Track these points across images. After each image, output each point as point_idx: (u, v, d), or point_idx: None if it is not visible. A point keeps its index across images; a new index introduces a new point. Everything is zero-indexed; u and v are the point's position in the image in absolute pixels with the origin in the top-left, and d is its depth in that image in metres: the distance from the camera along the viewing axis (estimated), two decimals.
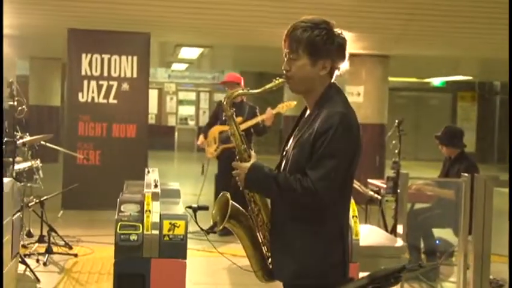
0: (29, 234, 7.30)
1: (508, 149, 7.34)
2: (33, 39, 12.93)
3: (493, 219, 4.67)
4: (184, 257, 4.23)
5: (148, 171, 5.09)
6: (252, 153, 2.95)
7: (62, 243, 7.30)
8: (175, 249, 4.17)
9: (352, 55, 10.56)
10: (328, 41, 2.79)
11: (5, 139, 6.28)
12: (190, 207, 3.05)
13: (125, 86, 10.08)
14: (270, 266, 2.92)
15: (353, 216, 4.33)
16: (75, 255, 7.10)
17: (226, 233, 2.96)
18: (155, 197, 4.22)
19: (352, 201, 4.46)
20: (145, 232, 4.11)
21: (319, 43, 2.78)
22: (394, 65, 12.85)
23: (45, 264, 6.65)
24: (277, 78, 2.93)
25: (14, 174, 6.23)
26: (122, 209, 4.26)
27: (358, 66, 11.80)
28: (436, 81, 21.96)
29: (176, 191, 5.00)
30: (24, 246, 6.96)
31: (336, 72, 2.90)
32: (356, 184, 6.54)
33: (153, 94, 23.34)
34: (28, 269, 6.22)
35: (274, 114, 8.21)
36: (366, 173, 9.30)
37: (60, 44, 10.86)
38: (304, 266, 2.75)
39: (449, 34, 9.99)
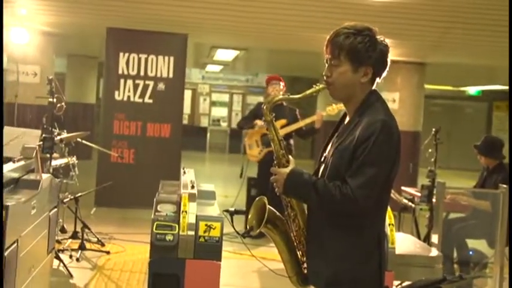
0: (63, 230, 7.39)
1: None
2: (72, 37, 13.08)
3: None
4: (219, 259, 4.24)
5: (185, 172, 5.11)
6: (291, 158, 2.95)
7: (95, 240, 7.38)
8: (211, 250, 4.18)
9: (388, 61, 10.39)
10: (371, 48, 2.78)
11: (43, 135, 6.35)
12: (227, 210, 3.06)
13: (161, 86, 10.14)
14: (305, 271, 2.92)
15: (389, 224, 4.30)
16: (108, 253, 7.17)
17: (258, 236, 2.96)
18: (192, 198, 4.24)
19: (389, 208, 4.44)
20: (181, 233, 4.12)
21: (362, 50, 2.77)
22: (430, 73, 12.75)
23: (78, 260, 6.73)
24: (318, 84, 2.93)
25: (51, 170, 6.30)
26: (159, 208, 4.28)
27: (394, 72, 11.67)
28: (472, 90, 21.72)
29: (211, 192, 5.02)
30: (58, 241, 7.03)
31: (377, 80, 2.89)
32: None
33: (186, 95, 23.41)
34: (62, 264, 6.30)
35: (324, 116, 8.13)
36: (399, 180, 9.23)
37: (98, 42, 10.98)
38: (340, 272, 2.75)
39: (487, 43, 9.88)
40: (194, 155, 18.79)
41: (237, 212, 3.03)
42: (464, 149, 6.76)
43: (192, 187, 4.42)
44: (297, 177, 2.78)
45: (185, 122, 23.53)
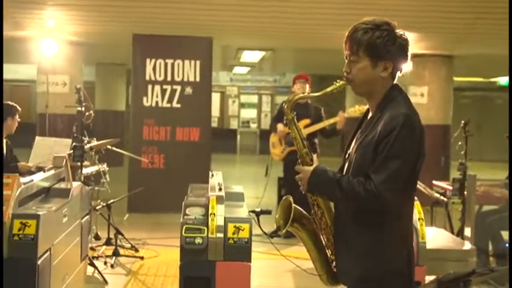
0: (97, 237, 7.48)
1: None
2: (99, 45, 13.21)
3: None
4: (249, 260, 4.24)
5: (213, 175, 5.13)
6: (314, 156, 2.95)
7: (129, 245, 7.44)
8: (240, 252, 4.19)
9: (415, 55, 10.45)
10: (389, 42, 2.76)
11: (73, 144, 6.43)
12: (253, 211, 3.07)
13: (188, 90, 10.20)
14: (335, 270, 2.91)
15: (419, 219, 4.27)
16: (141, 258, 7.22)
17: (290, 235, 2.96)
18: (220, 200, 4.25)
19: (418, 203, 4.40)
20: (210, 235, 4.14)
21: (380, 44, 2.75)
22: (458, 65, 12.61)
23: (112, 266, 6.79)
24: (338, 80, 2.92)
25: (82, 178, 6.37)
26: (187, 212, 4.31)
27: (422, 66, 11.64)
28: (503, 80, 21.42)
29: (240, 194, 5.03)
30: (92, 248, 7.12)
31: (398, 74, 2.86)
32: (421, 186, 6.44)
33: (215, 97, 23.54)
34: (96, 271, 6.37)
35: (346, 117, 8.11)
36: (431, 174, 9.14)
37: (125, 49, 11.06)
38: (368, 270, 2.73)
39: None
40: (225, 158, 18.85)
41: (262, 212, 3.04)
42: (497, 140, 6.66)
43: (220, 189, 4.44)
44: (321, 175, 2.77)
45: (214, 124, 23.69)
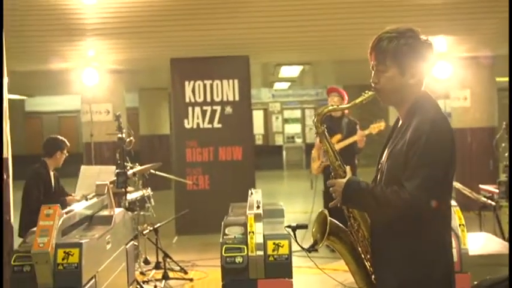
0: (146, 262, 7.55)
1: None
2: (140, 71, 13.42)
3: None
4: (290, 276, 4.23)
5: (252, 193, 5.14)
6: (347, 168, 2.93)
7: (178, 268, 7.49)
8: (281, 269, 4.18)
9: (455, 59, 10.30)
10: (415, 49, 2.75)
11: (116, 171, 6.53)
12: (289, 226, 3.06)
13: (228, 110, 10.25)
14: (375, 282, 2.88)
15: (460, 225, 4.19)
16: (191, 280, 7.26)
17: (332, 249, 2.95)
18: (258, 218, 4.26)
19: (458, 209, 4.33)
20: (250, 253, 4.15)
21: (407, 52, 2.74)
22: (501, 65, 12.38)
23: None
24: (367, 91, 2.91)
25: (127, 204, 6.46)
26: (227, 231, 4.32)
27: (463, 69, 11.46)
28: None
29: (280, 210, 5.02)
30: (142, 273, 7.19)
31: (426, 80, 2.84)
32: (466, 190, 6.34)
33: (258, 115, 23.63)
34: None
35: (366, 135, 8.07)
36: (480, 178, 8.99)
37: (165, 73, 11.21)
38: (406, 281, 2.70)
39: None
40: (271, 174, 18.86)
41: (298, 226, 3.03)
42: None
43: (258, 207, 4.44)
44: (354, 186, 2.76)
45: (259, 142, 23.75)
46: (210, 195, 10.02)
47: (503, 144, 6.54)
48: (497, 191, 6.54)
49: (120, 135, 6.63)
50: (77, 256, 3.79)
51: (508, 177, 6.27)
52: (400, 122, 2.85)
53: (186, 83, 10.25)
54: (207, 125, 10.25)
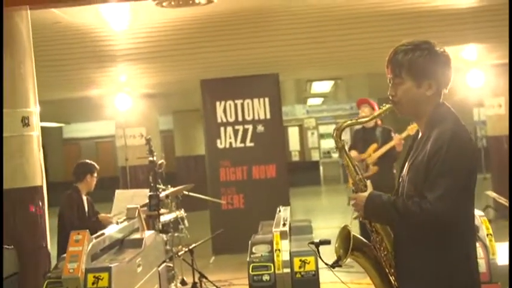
0: (183, 283, 7.59)
1: None
2: (172, 94, 13.56)
3: None
4: None
5: (279, 210, 5.15)
6: (368, 182, 2.94)
7: None
8: (308, 285, 4.18)
9: (487, 67, 10.17)
10: (431, 61, 2.77)
11: (149, 193, 6.60)
12: (312, 242, 3.07)
13: (260, 128, 10.27)
14: None
15: (487, 235, 4.14)
16: None
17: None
18: (283, 235, 4.27)
19: (485, 219, 4.27)
20: (277, 271, 4.15)
21: (422, 64, 2.75)
22: None
23: None
24: (385, 104, 2.94)
25: (160, 226, 6.51)
26: (254, 250, 4.34)
27: (496, 77, 11.32)
28: None
29: (308, 226, 5.02)
30: None
31: (444, 91, 2.84)
32: (502, 199, 6.25)
33: (293, 131, 23.67)
34: None
35: (404, 137, 7.99)
36: None
37: (197, 95, 11.31)
38: None
39: None
40: (308, 190, 18.80)
41: (321, 242, 3.03)
42: None
43: (284, 225, 4.45)
44: (376, 200, 2.77)
45: (296, 158, 23.74)
46: (245, 214, 10.02)
47: None
48: None
49: (151, 159, 6.71)
50: (107, 280, 3.83)
51: None
52: (420, 134, 2.85)
53: (217, 103, 10.31)
54: (239, 144, 10.28)
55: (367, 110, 8.21)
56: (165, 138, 20.79)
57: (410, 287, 2.76)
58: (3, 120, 5.74)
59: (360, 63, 11.17)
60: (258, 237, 4.67)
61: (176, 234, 7.34)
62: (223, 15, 8.58)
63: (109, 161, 19.10)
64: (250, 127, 10.28)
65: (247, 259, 4.31)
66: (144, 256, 4.62)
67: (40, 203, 6.13)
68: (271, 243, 4.38)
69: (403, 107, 2.84)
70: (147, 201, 6.67)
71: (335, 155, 23.62)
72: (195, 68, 10.26)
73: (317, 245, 3.05)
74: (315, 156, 23.72)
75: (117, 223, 5.07)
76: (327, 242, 3.05)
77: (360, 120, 3.11)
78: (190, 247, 7.35)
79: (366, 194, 2.82)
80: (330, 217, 11.99)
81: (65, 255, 4.09)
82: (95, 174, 6.97)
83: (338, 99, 21.97)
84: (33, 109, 6.09)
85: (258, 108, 10.29)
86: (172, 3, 7.55)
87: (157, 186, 6.83)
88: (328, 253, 3.00)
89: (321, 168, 23.11)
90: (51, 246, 6.34)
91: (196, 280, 7.32)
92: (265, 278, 4.15)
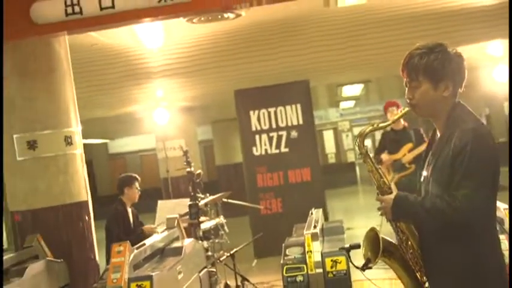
0: (227, 286, 7.61)
1: None
2: (209, 106, 13.67)
3: None
4: None
5: (312, 213, 5.16)
6: (392, 185, 2.95)
7: None
8: (341, 284, 4.19)
9: None
10: (446, 62, 2.77)
11: (189, 203, 6.67)
12: (343, 248, 3.07)
13: (294, 134, 10.28)
14: None
15: None
16: None
17: None
18: (314, 237, 4.29)
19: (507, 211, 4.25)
20: (309, 272, 4.17)
21: (437, 66, 2.76)
22: None
23: None
24: (403, 107, 2.95)
25: (201, 234, 6.56)
26: (287, 252, 4.37)
27: None
28: None
29: (340, 227, 5.02)
30: None
31: (459, 91, 2.84)
32: None
33: (328, 134, 23.61)
34: None
35: None
36: None
37: (233, 105, 11.40)
38: (461, 286, 2.69)
39: None
40: (346, 191, 18.73)
41: (352, 247, 3.03)
42: None
43: (315, 227, 4.46)
44: (403, 201, 2.77)
45: (332, 160, 23.68)
46: (283, 218, 10.02)
47: None
48: None
49: (188, 169, 6.77)
50: None
51: None
52: (439, 134, 2.85)
53: (251, 112, 10.36)
54: (274, 151, 10.30)
55: (396, 112, 8.16)
56: (206, 148, 20.96)
57: (440, 282, 2.76)
58: (2, 132, 5.86)
59: (389, 65, 11.07)
60: (291, 240, 4.70)
61: (217, 241, 7.38)
62: (252, 28, 8.65)
63: (153, 172, 19.24)
64: (284, 133, 10.30)
65: (281, 261, 4.34)
66: (185, 263, 4.67)
67: (86, 218, 6.26)
68: (303, 245, 4.40)
69: (422, 109, 2.84)
70: (188, 210, 6.72)
71: (370, 155, 23.48)
72: (229, 79, 10.34)
73: (348, 250, 3.06)
74: (351, 157, 23.61)
75: (158, 233, 5.13)
76: (357, 246, 3.05)
77: (381, 125, 3.12)
78: (232, 252, 7.38)
79: (392, 196, 2.81)
80: (368, 216, 11.92)
81: (108, 266, 4.17)
82: (134, 186, 6.99)
83: (370, 101, 21.86)
84: (75, 129, 6.22)
85: (291, 114, 10.30)
86: (202, 19, 7.65)
87: (197, 195, 6.88)
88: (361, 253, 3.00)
89: (357, 168, 22.99)
90: (100, 258, 6.46)
91: (239, 283, 7.35)
92: (299, 278, 4.18)
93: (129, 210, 6.99)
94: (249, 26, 8.49)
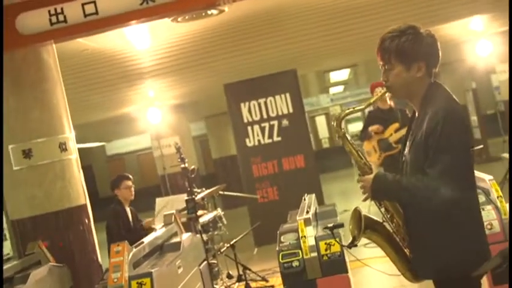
0: (229, 276, 7.69)
1: None
2: (200, 102, 13.68)
3: None
4: (346, 272, 4.27)
5: (304, 198, 5.20)
6: (373, 165, 2.98)
7: (259, 278, 7.58)
8: (336, 266, 4.23)
9: (494, 35, 9.95)
10: (417, 44, 2.79)
11: (185, 198, 6.71)
12: (326, 227, 3.11)
13: (285, 122, 10.30)
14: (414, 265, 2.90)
15: (498, 197, 4.13)
16: (272, 286, 7.34)
17: None
18: (307, 222, 4.33)
19: (494, 182, 4.28)
20: (305, 256, 4.21)
21: (408, 48, 2.79)
22: None
23: None
24: (380, 89, 2.98)
25: (200, 227, 6.61)
26: (282, 239, 4.40)
27: (503, 44, 11.16)
28: None
29: (332, 210, 5.06)
30: (227, 287, 7.33)
31: (434, 70, 2.87)
32: None
33: (321, 120, 23.60)
34: None
35: None
36: None
37: (223, 99, 11.44)
38: (444, 260, 2.74)
39: None
40: (342, 174, 18.76)
41: (335, 226, 3.08)
42: None
43: (307, 212, 4.50)
44: (382, 180, 2.81)
45: (326, 145, 23.70)
46: (280, 204, 10.04)
47: None
48: None
49: (182, 165, 6.80)
50: (149, 285, 3.93)
51: None
52: (417, 114, 2.89)
53: (242, 104, 10.37)
54: (267, 140, 10.33)
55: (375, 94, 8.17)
56: (202, 143, 20.96)
57: (423, 259, 2.80)
58: (3, 133, 5.88)
59: (374, 49, 11.11)
60: (285, 227, 4.74)
61: (216, 233, 7.43)
62: (236, 22, 8.67)
63: (151, 171, 19.28)
64: (275, 123, 10.32)
65: (276, 248, 4.38)
66: (184, 258, 4.71)
67: (86, 221, 6.29)
68: (297, 231, 4.44)
69: (397, 91, 2.89)
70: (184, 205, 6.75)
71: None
72: (217, 74, 10.36)
73: (331, 229, 3.10)
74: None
75: (155, 230, 5.17)
76: (340, 226, 3.10)
77: (357, 108, 3.14)
78: (231, 243, 7.44)
79: (371, 175, 2.85)
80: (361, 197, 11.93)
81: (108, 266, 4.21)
82: (123, 185, 6.93)
83: (359, 84, 21.86)
84: (69, 135, 6.24)
85: (281, 104, 10.32)
86: (187, 17, 7.67)
87: (193, 190, 6.92)
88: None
89: None
90: (103, 259, 6.50)
91: (241, 272, 7.40)
92: (295, 264, 4.21)
93: (127, 209, 7.01)
94: (233, 20, 8.51)
